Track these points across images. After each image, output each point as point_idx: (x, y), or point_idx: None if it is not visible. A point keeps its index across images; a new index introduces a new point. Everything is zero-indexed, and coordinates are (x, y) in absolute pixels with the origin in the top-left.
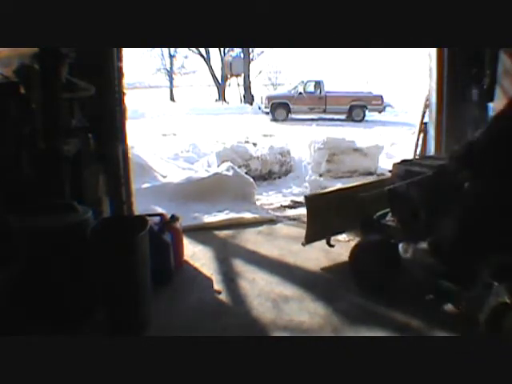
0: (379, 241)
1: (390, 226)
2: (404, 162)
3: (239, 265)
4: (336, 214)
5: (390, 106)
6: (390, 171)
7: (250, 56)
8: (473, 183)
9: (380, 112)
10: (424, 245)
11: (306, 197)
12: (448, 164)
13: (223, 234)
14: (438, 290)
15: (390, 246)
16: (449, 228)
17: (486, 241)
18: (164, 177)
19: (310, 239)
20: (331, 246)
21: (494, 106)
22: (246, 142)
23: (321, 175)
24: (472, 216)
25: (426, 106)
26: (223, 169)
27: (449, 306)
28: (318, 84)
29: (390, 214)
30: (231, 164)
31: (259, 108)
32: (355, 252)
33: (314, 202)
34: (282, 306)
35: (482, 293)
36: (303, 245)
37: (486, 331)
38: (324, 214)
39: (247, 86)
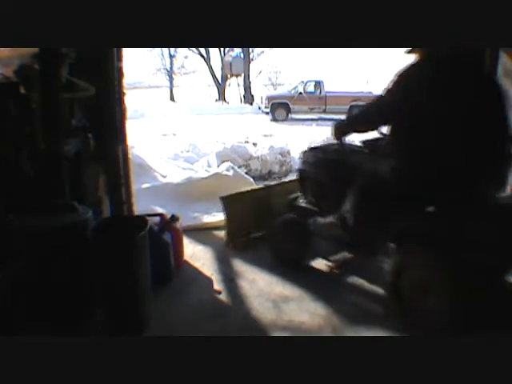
0: (290, 219)
1: (301, 206)
2: (311, 149)
3: (239, 265)
4: (253, 213)
5: None
6: (299, 158)
7: (250, 56)
8: (368, 158)
9: None
10: (332, 219)
11: (221, 198)
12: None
13: (223, 233)
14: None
15: (299, 224)
16: (350, 201)
17: (382, 210)
18: (164, 177)
19: (230, 240)
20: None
21: None
22: (246, 142)
23: None
24: (368, 188)
25: None
26: (223, 169)
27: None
28: (317, 84)
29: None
30: (231, 164)
31: (259, 108)
32: (270, 232)
33: (231, 203)
34: (281, 306)
35: (385, 258)
36: (226, 246)
37: (390, 293)
38: (241, 213)
39: (247, 86)
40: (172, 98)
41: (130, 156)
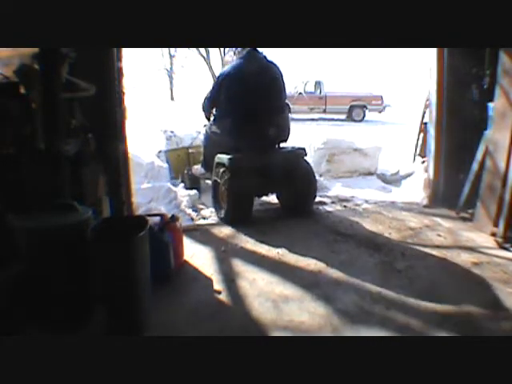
0: (189, 168)
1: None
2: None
3: (239, 265)
4: (181, 162)
5: (389, 106)
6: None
7: None
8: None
9: (380, 112)
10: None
11: (165, 151)
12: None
13: (223, 233)
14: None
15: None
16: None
17: (212, 153)
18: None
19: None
20: (183, 181)
21: (494, 106)
22: None
23: (321, 175)
24: (206, 143)
25: (426, 106)
26: None
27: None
28: (317, 84)
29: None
30: None
31: None
32: (185, 177)
33: (171, 155)
34: (281, 306)
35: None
36: (172, 179)
37: (212, 197)
38: (176, 161)
39: None
40: (172, 98)
41: (129, 156)
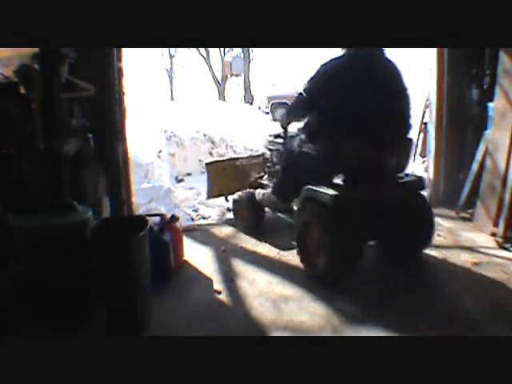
0: (248, 192)
1: (262, 183)
2: (269, 135)
3: (239, 265)
4: (229, 177)
5: None
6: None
7: (250, 56)
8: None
9: None
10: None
11: (206, 163)
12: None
13: (223, 233)
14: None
15: (253, 197)
16: (277, 176)
17: (296, 181)
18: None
19: (212, 196)
20: (227, 200)
21: (494, 106)
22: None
23: None
24: (286, 167)
25: (426, 106)
26: None
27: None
28: None
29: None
30: None
31: (259, 108)
32: (234, 202)
33: (213, 168)
34: (281, 306)
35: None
36: (207, 198)
37: (298, 243)
38: (220, 176)
39: (247, 86)
40: (172, 98)
41: (129, 156)
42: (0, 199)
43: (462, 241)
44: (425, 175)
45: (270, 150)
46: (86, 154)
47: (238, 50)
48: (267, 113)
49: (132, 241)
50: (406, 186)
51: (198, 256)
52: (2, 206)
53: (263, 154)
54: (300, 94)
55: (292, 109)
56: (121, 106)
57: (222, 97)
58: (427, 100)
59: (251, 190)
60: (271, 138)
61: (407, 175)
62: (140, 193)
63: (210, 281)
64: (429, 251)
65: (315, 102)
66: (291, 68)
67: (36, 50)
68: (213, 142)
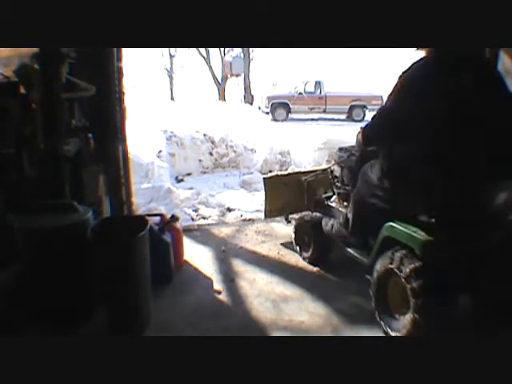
0: (314, 218)
1: (329, 205)
2: (340, 149)
3: (239, 265)
4: (290, 194)
5: None
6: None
7: (250, 56)
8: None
9: None
10: (339, 220)
11: (264, 178)
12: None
13: (223, 233)
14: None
15: (318, 224)
16: (351, 206)
17: (374, 214)
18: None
19: (269, 215)
20: (289, 221)
21: None
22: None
23: None
24: (363, 197)
25: None
26: None
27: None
28: (317, 84)
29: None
30: None
31: (259, 108)
32: (295, 227)
33: (272, 183)
34: (281, 306)
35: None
36: (265, 217)
37: (375, 294)
38: (280, 193)
39: (247, 86)
40: (172, 98)
41: (130, 156)
42: (0, 199)
43: None
44: None
45: (341, 167)
46: (86, 154)
47: (238, 50)
48: (267, 113)
49: (132, 241)
50: None
51: (197, 256)
52: (2, 206)
53: (332, 171)
54: (383, 108)
55: (371, 135)
56: (121, 106)
57: (222, 97)
58: None
59: (318, 215)
60: (342, 153)
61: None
62: (140, 193)
63: (209, 281)
64: None
65: (402, 120)
66: (291, 68)
67: (36, 49)
68: (213, 142)
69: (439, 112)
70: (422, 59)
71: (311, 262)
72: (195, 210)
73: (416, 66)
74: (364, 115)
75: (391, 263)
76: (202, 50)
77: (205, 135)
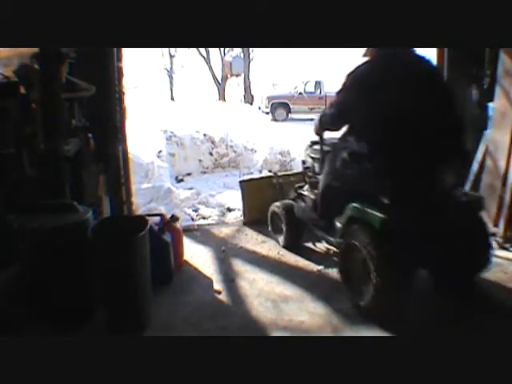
0: (287, 205)
1: (302, 193)
2: (311, 142)
3: (239, 265)
4: (265, 197)
5: None
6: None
7: (250, 56)
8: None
9: None
10: (308, 204)
11: (240, 181)
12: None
13: (223, 233)
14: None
15: (290, 209)
16: (319, 189)
17: (339, 198)
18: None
19: (248, 218)
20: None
21: (494, 106)
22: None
23: None
24: (329, 183)
25: None
26: None
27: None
28: (317, 84)
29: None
30: None
31: (259, 108)
32: (271, 215)
33: (248, 186)
34: (281, 306)
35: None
36: (244, 224)
37: (340, 267)
38: (256, 196)
39: (247, 86)
40: (172, 98)
41: (130, 156)
42: (0, 199)
43: None
44: None
45: (311, 158)
46: (86, 154)
47: (238, 50)
48: (267, 113)
49: (132, 241)
50: (463, 206)
51: (197, 256)
52: (1, 206)
53: (304, 162)
54: (335, 102)
55: (327, 119)
56: (121, 106)
57: (222, 97)
58: None
59: (290, 202)
60: (312, 145)
61: (465, 194)
62: (140, 193)
63: (209, 281)
64: None
65: (349, 113)
66: (291, 68)
67: (36, 49)
68: (213, 142)
69: (383, 104)
70: (365, 62)
71: (286, 245)
72: (195, 210)
73: (361, 67)
74: None
75: (354, 239)
76: (202, 50)
77: (205, 135)
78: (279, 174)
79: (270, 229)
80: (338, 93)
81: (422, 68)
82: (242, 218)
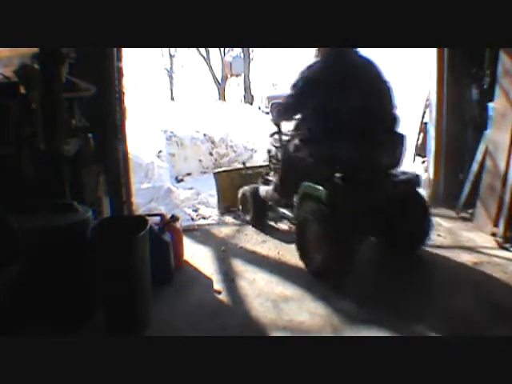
0: (254, 188)
1: (268, 178)
2: (273, 133)
3: (239, 265)
4: (236, 187)
5: None
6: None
7: (250, 56)
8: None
9: None
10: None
11: (214, 173)
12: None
13: (223, 233)
14: (281, 215)
15: (256, 192)
16: (278, 172)
17: (295, 178)
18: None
19: (223, 208)
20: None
21: (494, 106)
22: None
23: None
24: (286, 165)
25: (426, 106)
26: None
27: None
28: None
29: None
30: None
31: (259, 108)
32: (240, 198)
33: (221, 177)
34: (281, 306)
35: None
36: (220, 213)
37: (297, 238)
38: (229, 186)
39: (247, 86)
40: (172, 98)
41: (130, 156)
42: (0, 199)
43: (462, 241)
44: (425, 175)
45: (274, 146)
46: (86, 154)
47: (238, 50)
48: (267, 113)
49: (132, 241)
50: (402, 183)
51: (198, 256)
52: (1, 206)
53: (269, 151)
54: (289, 95)
55: (282, 110)
56: (121, 106)
57: (222, 97)
58: (427, 100)
59: (256, 186)
60: (273, 135)
61: (404, 173)
62: (140, 193)
63: (210, 281)
64: (429, 251)
65: (300, 105)
66: (291, 68)
67: (36, 49)
68: (213, 142)
69: (333, 98)
70: (315, 62)
71: (253, 223)
72: (195, 210)
73: (311, 66)
74: None
75: (307, 213)
76: (202, 50)
77: (205, 135)
78: (248, 165)
79: (240, 209)
80: (292, 87)
81: (364, 66)
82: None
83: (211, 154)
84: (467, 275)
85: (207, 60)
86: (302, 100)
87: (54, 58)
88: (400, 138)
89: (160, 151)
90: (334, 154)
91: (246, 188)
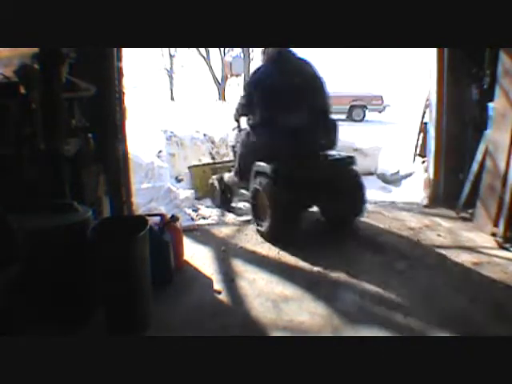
0: (220, 175)
1: (231, 168)
2: (235, 128)
3: (239, 265)
4: (208, 179)
5: (389, 106)
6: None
7: (250, 56)
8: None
9: (380, 112)
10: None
11: (189, 167)
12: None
13: (223, 233)
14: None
15: (221, 180)
16: (235, 160)
17: (249, 162)
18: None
19: (199, 195)
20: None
21: (494, 106)
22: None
23: None
24: (242, 154)
25: (426, 106)
26: None
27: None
28: None
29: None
30: None
31: None
32: (210, 185)
33: (195, 171)
34: (281, 306)
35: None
36: (197, 199)
37: (251, 208)
38: (202, 178)
39: None
40: (172, 98)
41: (130, 156)
42: (0, 199)
43: (462, 241)
44: (425, 175)
45: (236, 141)
46: (86, 154)
47: (238, 50)
48: None
49: (132, 241)
50: (336, 162)
51: (198, 256)
52: (1, 206)
53: (233, 146)
54: (241, 96)
55: (239, 109)
56: (121, 106)
57: (222, 97)
58: (427, 100)
59: (222, 174)
60: (234, 130)
61: (339, 154)
62: (140, 193)
63: (209, 281)
64: (429, 251)
65: (250, 103)
66: None
67: (36, 49)
68: (213, 142)
69: (272, 94)
70: (262, 65)
71: (219, 205)
72: (195, 210)
73: (259, 69)
74: (364, 115)
75: (258, 186)
76: (202, 49)
77: (205, 135)
78: (218, 161)
79: (212, 195)
80: (245, 88)
81: (300, 66)
82: (194, 194)
83: (211, 153)
84: (467, 275)
85: (207, 60)
86: (250, 99)
87: (54, 58)
88: (333, 124)
89: (160, 151)
90: (277, 138)
91: (214, 177)
